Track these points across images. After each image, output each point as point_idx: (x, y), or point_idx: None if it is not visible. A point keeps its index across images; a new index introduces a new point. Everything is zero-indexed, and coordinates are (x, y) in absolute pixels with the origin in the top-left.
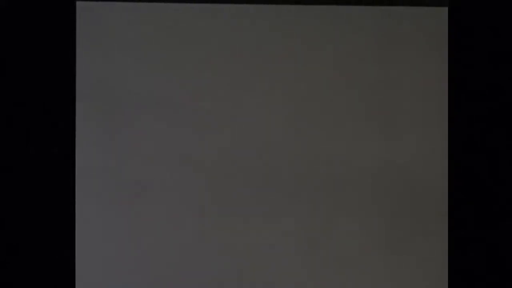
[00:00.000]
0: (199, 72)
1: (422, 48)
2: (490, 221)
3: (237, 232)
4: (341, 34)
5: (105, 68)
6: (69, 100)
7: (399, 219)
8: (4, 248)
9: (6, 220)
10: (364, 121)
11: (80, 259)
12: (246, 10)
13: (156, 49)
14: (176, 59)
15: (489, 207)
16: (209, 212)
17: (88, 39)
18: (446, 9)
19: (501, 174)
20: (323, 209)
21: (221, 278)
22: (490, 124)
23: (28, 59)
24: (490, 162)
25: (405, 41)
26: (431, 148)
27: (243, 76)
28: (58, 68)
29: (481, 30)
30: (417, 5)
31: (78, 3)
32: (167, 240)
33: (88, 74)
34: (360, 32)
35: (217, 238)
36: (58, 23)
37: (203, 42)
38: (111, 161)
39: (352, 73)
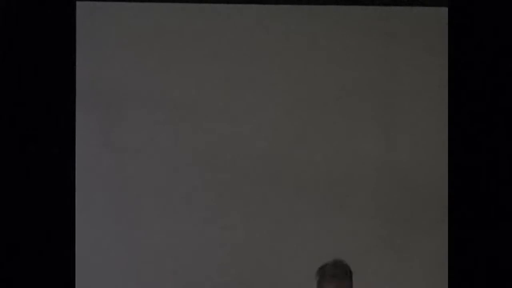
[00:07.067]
0: (200, 72)
1: (422, 48)
2: (489, 221)
3: (236, 232)
4: (341, 34)
5: (105, 68)
6: (69, 100)
7: (399, 219)
8: (4, 248)
9: (6, 220)
10: (364, 121)
11: (80, 259)
12: (246, 10)
13: (156, 49)
14: (176, 59)
15: (489, 207)
16: (209, 211)
17: (88, 39)
18: (446, 9)
19: (500, 174)
20: (323, 209)
21: (221, 278)
22: (490, 124)
23: (28, 59)
24: (490, 162)
25: (405, 41)
26: (431, 148)
27: (243, 76)
28: (58, 68)
29: (481, 30)
30: (417, 5)
31: (78, 3)
32: (167, 238)
33: (88, 74)
34: (360, 32)
35: (217, 237)
36: (58, 23)
37: (203, 42)
38: (110, 160)
39: (352, 73)
